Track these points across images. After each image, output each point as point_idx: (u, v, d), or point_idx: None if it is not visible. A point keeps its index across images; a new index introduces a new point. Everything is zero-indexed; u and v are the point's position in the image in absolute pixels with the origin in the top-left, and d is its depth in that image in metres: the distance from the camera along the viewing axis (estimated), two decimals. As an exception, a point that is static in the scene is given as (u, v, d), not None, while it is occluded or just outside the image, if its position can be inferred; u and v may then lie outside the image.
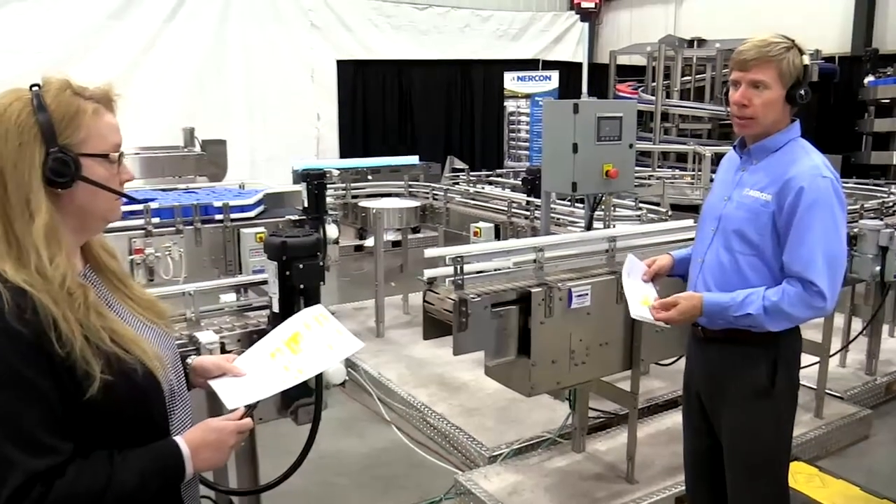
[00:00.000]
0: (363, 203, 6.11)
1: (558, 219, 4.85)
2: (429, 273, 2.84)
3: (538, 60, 13.44)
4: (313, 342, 1.61)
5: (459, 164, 9.97)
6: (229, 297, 2.86)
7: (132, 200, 1.54)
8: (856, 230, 4.15)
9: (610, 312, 3.10)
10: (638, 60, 12.48)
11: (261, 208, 4.63)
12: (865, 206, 5.17)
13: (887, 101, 9.96)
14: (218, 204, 4.42)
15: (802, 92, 2.19)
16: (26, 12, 9.20)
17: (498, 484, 3.49)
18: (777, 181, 2.18)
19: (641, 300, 2.36)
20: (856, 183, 6.82)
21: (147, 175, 6.65)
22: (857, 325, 4.84)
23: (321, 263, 2.47)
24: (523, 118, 11.86)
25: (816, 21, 10.64)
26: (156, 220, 4.19)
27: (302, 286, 2.39)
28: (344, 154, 11.54)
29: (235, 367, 1.57)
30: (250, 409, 1.49)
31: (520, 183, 6.36)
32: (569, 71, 13.01)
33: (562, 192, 4.27)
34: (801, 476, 3.53)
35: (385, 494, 3.70)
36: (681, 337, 2.81)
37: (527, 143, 11.71)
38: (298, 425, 2.46)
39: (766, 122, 2.22)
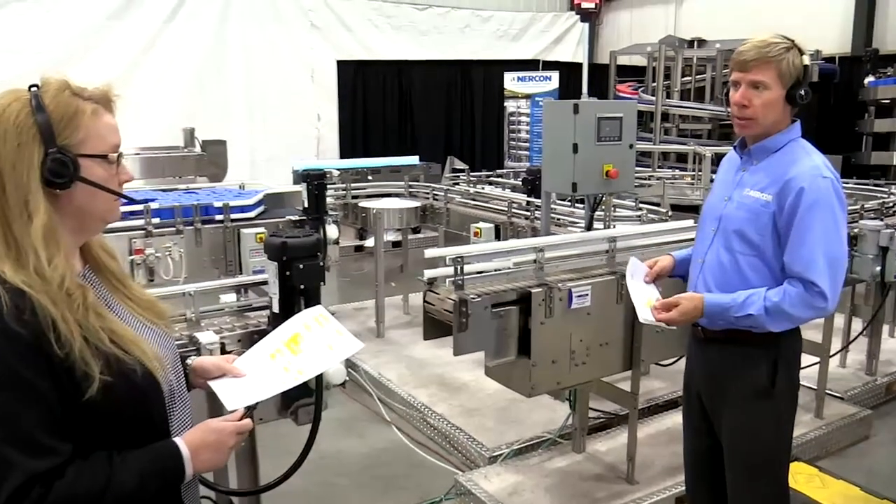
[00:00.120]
0: (363, 203, 6.11)
1: (558, 219, 4.85)
2: (429, 273, 2.84)
3: (538, 61, 13.44)
4: (313, 343, 1.61)
5: (459, 165, 9.97)
6: (229, 298, 2.86)
7: (131, 201, 1.53)
8: (856, 230, 4.15)
9: (610, 313, 3.10)
10: (638, 61, 12.47)
11: (261, 209, 4.63)
12: (866, 206, 5.18)
13: (887, 101, 9.95)
14: (218, 204, 4.42)
15: (802, 92, 2.18)
16: (26, 13, 9.21)
17: (498, 484, 3.48)
18: (778, 181, 2.18)
19: (646, 303, 2.36)
20: (856, 183, 6.82)
21: (147, 175, 6.65)
22: (857, 325, 4.84)
23: (321, 264, 2.47)
24: (523, 118, 11.87)
25: (816, 21, 10.64)
26: (156, 220, 4.19)
27: (302, 286, 2.39)
28: (344, 154, 11.54)
29: (235, 368, 1.57)
30: (250, 410, 1.49)
31: (520, 183, 6.36)
32: (569, 71, 13.01)
33: (562, 193, 4.27)
34: (801, 476, 3.53)
35: (385, 495, 3.69)
36: (681, 337, 2.81)
37: (527, 144, 11.72)
38: (298, 426, 2.46)
39: (766, 122, 2.22)
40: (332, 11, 11.80)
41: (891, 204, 5.45)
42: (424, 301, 2.89)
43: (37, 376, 1.20)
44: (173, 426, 1.41)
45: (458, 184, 7.08)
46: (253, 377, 1.55)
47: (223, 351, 2.39)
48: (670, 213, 5.17)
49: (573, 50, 14.11)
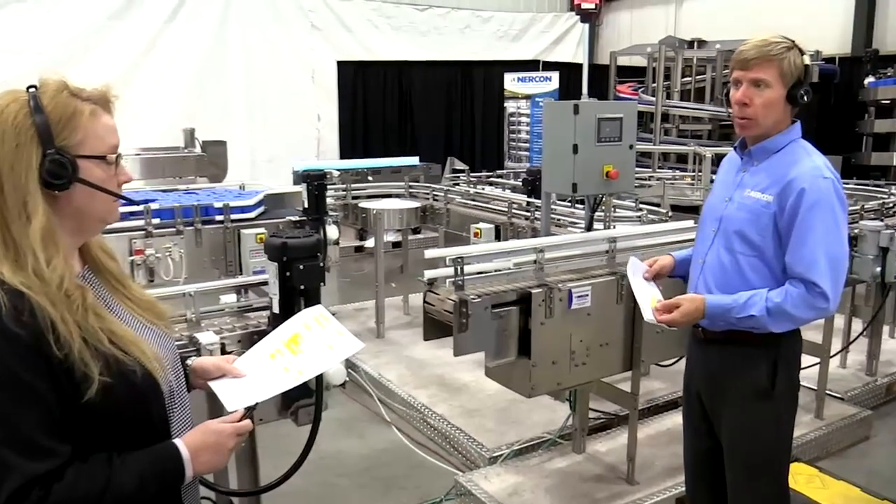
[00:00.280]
0: (363, 204, 6.11)
1: (558, 220, 4.85)
2: (429, 274, 2.84)
3: (538, 61, 13.46)
4: (313, 343, 1.61)
5: (460, 165, 9.97)
6: (230, 298, 2.86)
7: (130, 202, 1.53)
8: (856, 231, 4.15)
9: (610, 313, 3.10)
10: (638, 61, 12.48)
11: (261, 209, 4.62)
12: (866, 206, 5.17)
13: (887, 101, 9.95)
14: (218, 205, 4.42)
15: (803, 92, 2.18)
16: (26, 13, 9.21)
17: (498, 485, 3.48)
18: (778, 182, 2.18)
19: (650, 303, 2.35)
20: (856, 184, 6.82)
21: (147, 176, 6.64)
22: (857, 325, 4.84)
23: (321, 264, 2.47)
24: (523, 119, 11.88)
25: (817, 22, 10.64)
26: (156, 220, 4.18)
27: (302, 287, 2.39)
28: (344, 155, 11.55)
29: (235, 369, 1.57)
30: (250, 411, 1.49)
31: (520, 184, 6.36)
32: (569, 72, 13.03)
33: (562, 193, 4.27)
34: (801, 477, 3.52)
35: (385, 495, 3.69)
36: (681, 338, 2.81)
37: (527, 144, 11.73)
38: (299, 426, 2.46)
39: (766, 122, 2.22)
40: (333, 12, 11.80)
41: (891, 204, 5.45)
42: (424, 301, 2.89)
43: (36, 378, 1.20)
44: (173, 427, 1.40)
45: (458, 184, 7.08)
46: (253, 377, 1.55)
47: (223, 351, 2.39)
48: (670, 213, 5.17)
49: (573, 50, 14.11)
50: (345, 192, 6.33)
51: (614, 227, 4.25)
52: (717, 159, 7.16)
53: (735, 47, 2.38)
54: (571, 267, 3.16)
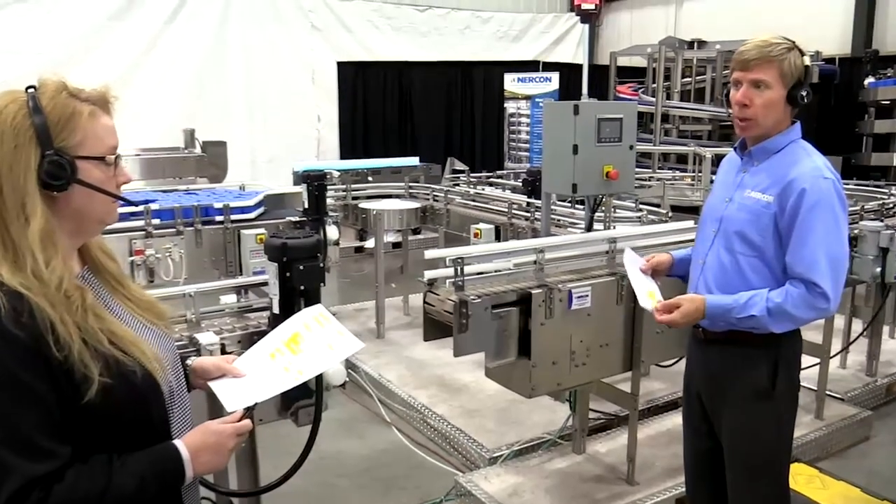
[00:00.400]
0: (363, 204, 6.11)
1: (559, 220, 4.86)
2: (429, 274, 2.84)
3: (538, 62, 13.46)
4: (313, 342, 1.60)
5: (460, 166, 9.96)
6: (230, 299, 2.86)
7: (129, 203, 1.53)
8: (856, 231, 4.15)
9: (610, 314, 3.10)
10: (638, 62, 12.47)
11: (261, 210, 4.62)
12: (866, 207, 5.17)
13: (887, 102, 9.94)
14: (218, 205, 4.42)
15: (804, 93, 2.18)
16: (26, 13, 9.20)
17: (498, 485, 3.48)
18: (779, 182, 2.18)
19: (647, 293, 2.37)
20: (856, 184, 6.82)
21: (147, 176, 6.64)
22: (857, 326, 4.84)
23: (321, 265, 2.47)
24: (523, 119, 11.88)
25: (817, 22, 10.64)
26: (156, 221, 4.18)
27: (302, 287, 2.39)
28: (344, 155, 11.55)
29: (235, 368, 1.56)
30: (249, 411, 1.49)
31: (520, 184, 6.36)
32: (569, 72, 13.03)
33: (562, 194, 4.27)
34: (801, 477, 3.52)
35: (385, 496, 3.69)
36: (681, 338, 2.81)
37: (527, 145, 11.73)
38: (299, 426, 2.46)
39: (766, 123, 2.22)
40: (333, 12, 11.80)
41: (891, 205, 5.45)
42: (424, 302, 2.89)
43: (35, 379, 1.19)
44: (173, 427, 1.40)
45: (458, 185, 7.08)
46: (253, 377, 1.55)
47: (223, 352, 2.39)
48: (670, 214, 5.17)
49: (573, 51, 14.11)
50: (345, 193, 6.33)
51: (614, 228, 4.25)
52: (717, 160, 7.14)
53: (735, 48, 2.38)
54: (571, 267, 3.16)
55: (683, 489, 2.88)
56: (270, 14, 11.14)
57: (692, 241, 2.62)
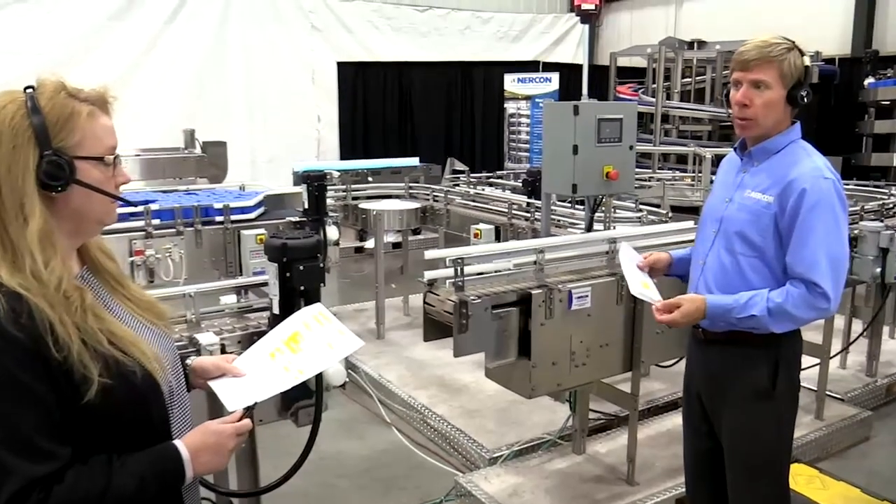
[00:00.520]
0: (363, 205, 6.11)
1: (559, 220, 4.86)
2: (429, 275, 2.84)
3: (538, 62, 13.46)
4: (313, 341, 1.60)
5: (460, 166, 9.96)
6: (230, 299, 2.86)
7: (128, 203, 1.53)
8: (856, 232, 4.15)
9: (610, 314, 3.10)
10: (638, 62, 12.47)
11: (261, 210, 4.63)
12: (866, 207, 5.17)
13: (887, 102, 9.94)
14: (218, 205, 4.42)
15: (804, 93, 2.18)
16: (26, 14, 9.20)
17: (498, 486, 3.48)
18: (779, 183, 2.18)
19: (641, 283, 2.37)
20: (856, 184, 6.82)
21: (147, 177, 6.64)
22: (857, 326, 4.84)
23: (321, 265, 2.47)
24: (523, 120, 11.87)
25: (817, 22, 10.64)
26: (156, 221, 4.18)
27: (302, 288, 2.39)
28: (344, 155, 11.55)
29: (235, 368, 1.56)
30: (249, 411, 1.48)
31: (520, 184, 6.36)
32: (569, 72, 13.02)
33: (562, 194, 4.27)
34: (801, 478, 3.52)
35: (385, 496, 3.69)
36: (681, 338, 2.81)
37: (527, 145, 11.72)
38: (298, 427, 2.46)
39: (766, 123, 2.22)
40: (333, 13, 11.80)
41: (891, 205, 5.45)
42: (424, 302, 2.89)
43: (35, 380, 1.19)
44: (173, 427, 1.40)
45: (458, 185, 7.08)
46: (253, 377, 1.55)
47: (223, 352, 2.38)
48: (670, 214, 5.17)
49: (573, 51, 14.11)
50: (345, 193, 6.33)
51: (614, 228, 4.25)
52: (717, 160, 7.14)
53: (735, 48, 2.38)
54: (571, 268, 3.16)
55: (683, 489, 2.88)
56: (270, 14, 11.14)
57: (692, 241, 2.62)
